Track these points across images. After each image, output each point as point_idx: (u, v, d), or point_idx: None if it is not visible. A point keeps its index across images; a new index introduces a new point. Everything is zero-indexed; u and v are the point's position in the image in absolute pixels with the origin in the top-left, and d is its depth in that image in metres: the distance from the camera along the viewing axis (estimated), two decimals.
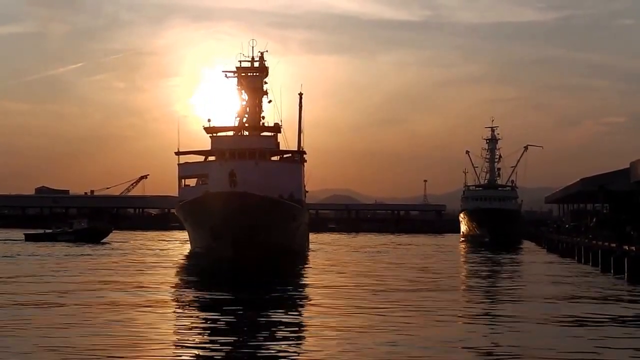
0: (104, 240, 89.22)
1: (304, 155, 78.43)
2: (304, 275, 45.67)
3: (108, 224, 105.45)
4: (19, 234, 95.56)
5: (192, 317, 26.66)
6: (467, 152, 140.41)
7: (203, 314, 27.10)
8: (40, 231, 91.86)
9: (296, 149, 78.72)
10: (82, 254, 63.32)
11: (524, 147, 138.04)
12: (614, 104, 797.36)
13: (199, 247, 65.14)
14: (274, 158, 75.05)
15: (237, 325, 24.70)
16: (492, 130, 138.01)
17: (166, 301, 30.74)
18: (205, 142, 73.98)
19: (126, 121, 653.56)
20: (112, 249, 74.10)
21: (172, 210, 75.34)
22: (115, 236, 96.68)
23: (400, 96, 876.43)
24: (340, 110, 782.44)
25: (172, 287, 37.49)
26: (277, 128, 73.93)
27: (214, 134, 72.69)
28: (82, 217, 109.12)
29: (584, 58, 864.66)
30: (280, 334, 22.49)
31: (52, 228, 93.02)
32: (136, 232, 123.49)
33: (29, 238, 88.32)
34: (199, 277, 45.19)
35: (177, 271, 48.94)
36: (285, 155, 76.43)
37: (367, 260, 58.72)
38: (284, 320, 25.23)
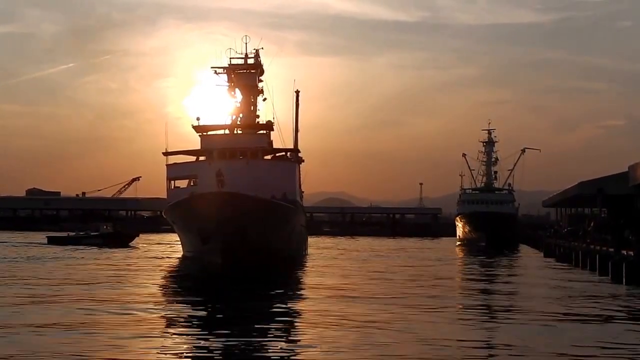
0: (131, 244, 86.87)
1: (300, 154, 76.12)
2: (295, 297, 35.37)
3: (134, 228, 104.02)
4: (40, 236, 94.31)
5: None
6: (464, 154, 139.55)
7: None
8: (64, 234, 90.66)
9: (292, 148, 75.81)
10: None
11: (522, 150, 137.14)
12: (612, 106, 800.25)
13: (189, 251, 63.39)
14: (267, 157, 72.53)
15: None
16: (489, 133, 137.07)
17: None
18: (198, 144, 72.02)
19: (118, 123, 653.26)
20: (146, 252, 73.14)
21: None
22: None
23: (397, 98, 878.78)
24: (336, 112, 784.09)
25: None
26: (269, 126, 71.08)
27: (204, 133, 70.66)
28: (106, 221, 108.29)
29: (583, 60, 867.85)
30: None
31: (74, 231, 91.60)
32: None
33: (51, 241, 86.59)
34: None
35: (162, 281, 43.86)
36: (279, 154, 73.64)
37: (370, 272, 50.35)
38: None
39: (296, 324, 25.97)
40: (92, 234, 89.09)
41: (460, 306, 31.24)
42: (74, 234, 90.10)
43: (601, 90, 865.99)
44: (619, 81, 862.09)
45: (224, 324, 25.39)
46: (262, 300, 32.20)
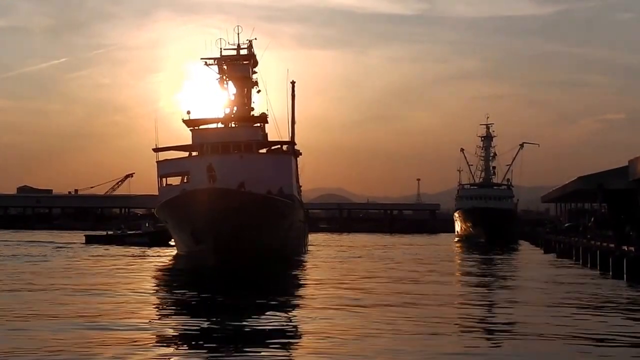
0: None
1: (296, 147, 74.25)
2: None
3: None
4: (79, 236, 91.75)
5: None
6: (462, 149, 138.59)
7: None
8: (102, 233, 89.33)
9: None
10: None
11: (520, 144, 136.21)
12: (612, 100, 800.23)
13: (182, 250, 61.91)
14: (262, 150, 70.40)
15: None
16: (487, 128, 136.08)
17: None
18: (190, 138, 70.18)
19: (111, 118, 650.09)
20: None
21: None
22: None
23: (394, 92, 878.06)
24: (332, 106, 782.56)
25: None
26: (263, 118, 68.87)
27: (195, 127, 68.92)
28: (147, 219, 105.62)
29: (582, 53, 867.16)
30: None
31: (112, 230, 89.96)
32: None
33: (90, 240, 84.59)
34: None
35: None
36: (274, 147, 71.23)
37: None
38: None
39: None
40: (129, 232, 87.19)
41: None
42: (111, 232, 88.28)
43: (601, 84, 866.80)
44: (619, 74, 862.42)
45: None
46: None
